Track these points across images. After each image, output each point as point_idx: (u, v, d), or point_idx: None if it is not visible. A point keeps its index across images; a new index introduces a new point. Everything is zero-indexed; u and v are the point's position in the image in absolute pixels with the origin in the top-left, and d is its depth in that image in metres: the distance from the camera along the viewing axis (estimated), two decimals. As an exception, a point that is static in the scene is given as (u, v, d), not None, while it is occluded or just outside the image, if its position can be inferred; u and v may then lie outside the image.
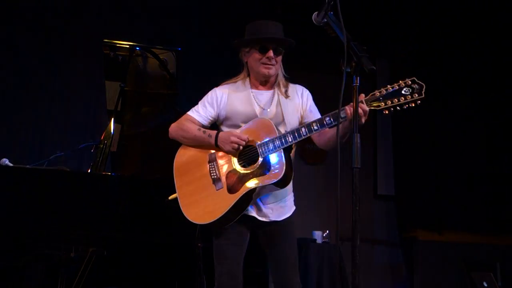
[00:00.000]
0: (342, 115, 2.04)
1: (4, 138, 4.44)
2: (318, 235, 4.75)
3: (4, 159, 3.21)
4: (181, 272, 3.74)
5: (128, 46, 3.50)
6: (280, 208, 2.31)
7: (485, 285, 4.39)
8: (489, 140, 5.50)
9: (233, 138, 2.20)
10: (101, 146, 3.40)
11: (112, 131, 3.40)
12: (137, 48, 3.52)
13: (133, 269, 3.77)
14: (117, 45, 3.51)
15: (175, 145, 2.43)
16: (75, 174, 3.18)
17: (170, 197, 2.43)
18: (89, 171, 3.41)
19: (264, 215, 2.27)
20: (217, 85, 2.47)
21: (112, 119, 3.45)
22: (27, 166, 3.26)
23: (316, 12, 1.89)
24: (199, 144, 2.32)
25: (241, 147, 2.21)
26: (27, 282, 3.32)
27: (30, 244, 3.15)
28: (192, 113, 2.38)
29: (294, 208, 2.38)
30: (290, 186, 2.33)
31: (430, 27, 5.48)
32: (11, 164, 3.18)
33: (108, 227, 3.02)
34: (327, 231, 4.84)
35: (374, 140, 5.99)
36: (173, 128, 2.39)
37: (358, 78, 1.73)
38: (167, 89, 3.71)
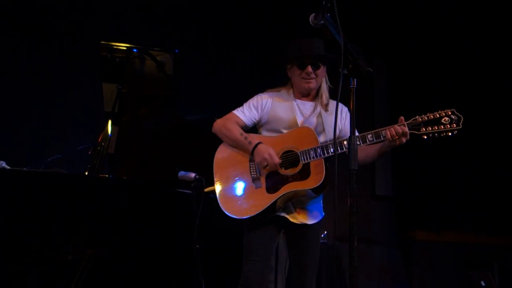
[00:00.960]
0: (383, 136, 2.20)
1: (1, 140, 4.42)
2: (316, 236, 4.74)
3: (1, 162, 3.20)
4: (179, 274, 3.73)
5: (125, 48, 3.50)
6: (309, 211, 2.43)
7: (483, 284, 4.41)
8: (487, 141, 5.51)
9: (267, 156, 2.33)
10: (99, 148, 3.40)
11: (109, 133, 3.40)
12: (135, 50, 3.51)
13: (131, 271, 3.76)
14: (114, 47, 3.50)
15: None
16: (72, 177, 3.17)
17: (207, 189, 2.58)
18: (86, 173, 3.41)
19: (295, 217, 2.40)
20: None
21: (110, 121, 3.45)
22: (24, 168, 3.25)
23: (313, 14, 1.90)
24: (236, 146, 2.45)
25: (268, 166, 2.33)
26: (24, 285, 3.31)
27: (27, 247, 3.14)
28: (238, 112, 2.53)
29: (323, 214, 2.51)
30: (321, 194, 2.47)
31: (428, 27, 5.49)
32: (8, 167, 3.17)
33: (105, 229, 3.01)
34: (325, 232, 4.84)
35: (372, 140, 5.99)
36: (218, 125, 2.53)
37: (355, 80, 1.73)
38: (165, 91, 3.71)
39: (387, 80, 5.98)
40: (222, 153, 2.51)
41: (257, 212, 2.31)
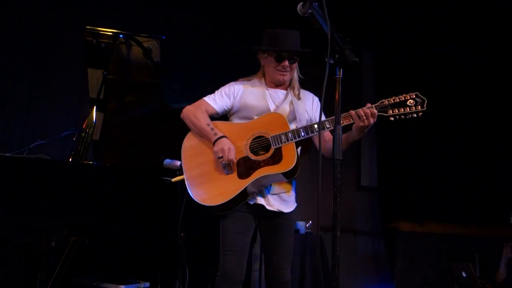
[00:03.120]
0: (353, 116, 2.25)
1: (-17, 125, 4.35)
2: (301, 226, 4.78)
3: (-17, 147, 3.14)
4: (163, 261, 3.73)
5: (111, 34, 3.45)
6: (284, 201, 2.43)
7: (464, 275, 4.49)
8: (469, 133, 5.57)
9: (226, 148, 2.31)
10: (83, 134, 3.35)
11: (94, 119, 3.36)
12: (121, 35, 3.47)
13: (115, 258, 3.75)
14: (100, 32, 3.45)
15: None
16: (56, 163, 3.13)
17: (174, 179, 2.54)
18: (70, 159, 3.37)
19: (271, 205, 2.39)
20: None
21: (95, 107, 3.40)
22: (7, 154, 3.20)
23: (301, 3, 1.89)
24: (201, 135, 2.43)
25: (220, 160, 2.33)
26: (7, 272, 3.28)
27: (9, 234, 3.11)
28: (209, 100, 2.51)
29: (296, 205, 2.50)
30: (294, 183, 2.49)
31: (416, 19, 5.51)
32: (-10, 152, 3.12)
33: (89, 216, 2.99)
34: (310, 222, 4.88)
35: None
36: (187, 111, 2.49)
37: (341, 70, 1.73)
38: (151, 77, 3.67)
39: (374, 72, 6.00)
40: (190, 141, 2.47)
41: (229, 198, 2.30)
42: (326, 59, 1.71)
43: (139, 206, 3.13)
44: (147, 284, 3.63)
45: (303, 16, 1.90)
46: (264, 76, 2.56)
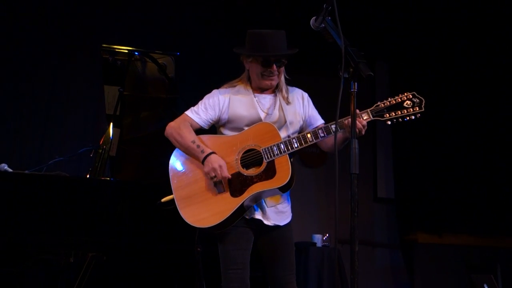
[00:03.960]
0: (341, 127, 2.13)
1: (3, 143, 4.43)
2: (318, 239, 4.74)
3: (3, 165, 3.20)
4: (180, 277, 3.73)
5: (126, 51, 3.50)
6: (281, 213, 2.33)
7: (486, 287, 4.39)
8: (488, 143, 5.50)
9: (217, 167, 2.17)
10: (100, 151, 3.40)
11: (111, 135, 3.41)
12: (136, 53, 3.52)
13: (133, 274, 3.76)
14: (116, 50, 3.51)
15: (174, 150, 2.41)
16: (74, 179, 3.17)
17: (164, 199, 2.37)
18: (88, 176, 3.41)
19: (268, 219, 2.28)
20: (216, 87, 2.45)
21: (111, 123, 3.45)
22: (26, 171, 3.25)
23: (314, 17, 1.89)
24: (188, 154, 2.28)
25: (215, 179, 2.19)
26: (27, 286, 3.31)
27: (29, 250, 3.15)
28: (192, 114, 2.33)
29: (291, 215, 2.40)
30: (288, 193, 2.35)
31: (430, 30, 5.48)
32: (10, 170, 3.17)
33: (107, 232, 3.01)
34: (327, 235, 4.83)
35: (373, 143, 5.98)
36: (170, 129, 2.32)
37: (356, 84, 1.73)
38: (166, 93, 3.71)
39: (388, 83, 5.97)
40: (177, 158, 2.31)
41: (224, 218, 2.16)
42: (341, 74, 1.71)
43: (156, 221, 3.14)
44: (165, 299, 3.63)
45: (316, 30, 1.90)
46: (249, 80, 2.37)
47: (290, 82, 2.43)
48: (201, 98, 2.44)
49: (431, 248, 5.49)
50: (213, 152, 2.22)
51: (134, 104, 3.73)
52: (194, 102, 2.45)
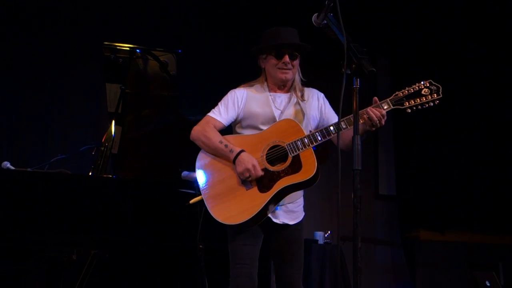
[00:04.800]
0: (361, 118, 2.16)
1: (5, 141, 4.44)
2: (319, 236, 4.75)
3: (5, 162, 3.21)
4: (182, 274, 3.74)
5: (128, 49, 3.50)
6: (291, 212, 2.38)
7: (488, 284, 4.38)
8: (491, 139, 5.49)
9: (250, 167, 2.22)
10: (102, 148, 3.40)
11: (113, 133, 3.41)
12: (138, 50, 3.51)
13: (135, 271, 3.77)
14: (118, 47, 3.51)
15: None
16: (76, 177, 3.18)
17: (192, 201, 2.45)
18: (90, 173, 3.41)
19: (277, 217, 2.33)
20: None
21: (113, 121, 3.45)
22: (28, 169, 3.26)
23: (316, 14, 1.89)
24: (216, 154, 2.33)
25: (249, 179, 2.24)
26: (29, 285, 3.32)
27: (31, 247, 3.15)
28: (214, 114, 2.41)
29: (304, 214, 2.45)
30: (302, 191, 2.41)
31: (432, 27, 5.47)
32: (12, 167, 3.18)
33: (109, 229, 3.02)
34: (329, 232, 4.84)
35: (375, 139, 5.98)
36: (196, 132, 2.39)
37: (358, 80, 1.73)
38: (168, 91, 3.71)
39: (390, 80, 5.96)
40: (203, 160, 2.37)
41: (254, 214, 2.21)
42: (343, 70, 1.71)
43: (158, 218, 3.14)
44: (167, 296, 3.64)
45: (318, 27, 1.90)
46: (266, 80, 2.47)
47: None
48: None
49: (433, 245, 5.48)
50: (242, 151, 2.28)
51: (135, 102, 3.73)
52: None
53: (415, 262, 5.60)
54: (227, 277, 2.34)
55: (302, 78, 2.46)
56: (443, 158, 5.56)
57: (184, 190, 3.13)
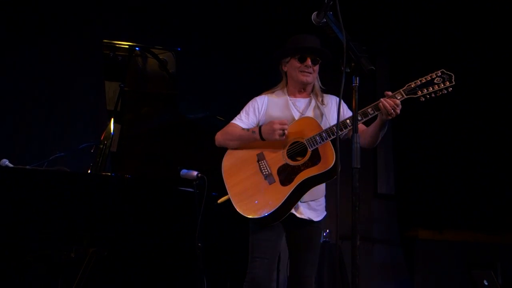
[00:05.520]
0: (372, 111, 2.25)
1: (4, 138, 4.43)
2: (318, 235, 4.74)
3: (4, 160, 3.20)
4: (181, 273, 3.74)
5: (127, 46, 3.49)
6: (314, 209, 2.46)
7: (486, 283, 4.39)
8: (489, 139, 5.49)
9: (276, 126, 2.34)
10: (101, 146, 3.40)
11: (112, 131, 3.40)
12: (137, 48, 3.51)
13: (134, 269, 3.77)
14: (117, 45, 3.50)
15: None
16: (75, 175, 3.17)
17: (220, 200, 2.54)
18: (89, 171, 3.41)
19: (302, 213, 2.42)
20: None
21: (112, 119, 3.45)
22: (27, 166, 3.25)
23: (315, 12, 1.90)
24: (244, 143, 2.47)
25: (286, 131, 2.34)
26: (27, 283, 3.32)
27: (30, 245, 3.15)
28: (236, 121, 2.55)
29: (325, 213, 2.54)
30: (324, 190, 2.52)
31: (431, 25, 5.47)
32: (11, 165, 3.18)
33: (107, 228, 3.02)
34: (328, 230, 4.84)
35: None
36: (219, 135, 2.55)
37: (357, 78, 1.73)
38: (167, 89, 3.71)
39: (389, 78, 5.96)
40: (228, 161, 2.51)
41: (277, 207, 2.31)
42: (343, 68, 1.71)
43: (157, 216, 3.14)
44: (165, 295, 3.64)
45: (318, 25, 1.90)
46: (286, 85, 2.59)
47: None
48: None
49: (432, 244, 5.49)
50: (260, 126, 2.43)
51: (134, 100, 3.73)
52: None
53: (414, 261, 5.60)
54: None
55: (321, 86, 2.58)
56: (442, 158, 5.57)
57: (183, 189, 3.13)
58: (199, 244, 2.84)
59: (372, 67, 1.71)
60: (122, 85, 3.48)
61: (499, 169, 5.40)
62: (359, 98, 1.75)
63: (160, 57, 3.56)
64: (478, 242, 5.32)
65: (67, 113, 4.66)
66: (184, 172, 2.91)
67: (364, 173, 5.77)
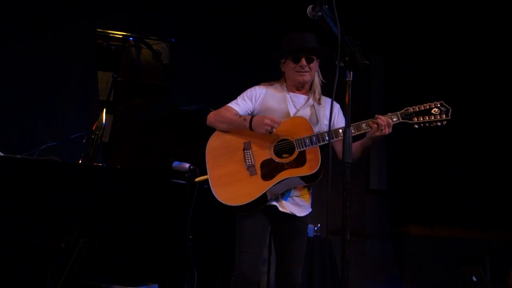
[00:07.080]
0: (365, 127, 2.30)
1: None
2: (309, 229, 4.76)
3: (-6, 149, 3.17)
4: (172, 263, 3.74)
5: (121, 36, 3.46)
6: (298, 204, 2.45)
7: (475, 279, 4.43)
8: (481, 136, 5.52)
9: (267, 121, 2.34)
10: (93, 136, 3.37)
11: (104, 121, 3.38)
12: (131, 38, 3.48)
13: (124, 260, 3.77)
14: (110, 35, 3.47)
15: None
16: (66, 165, 3.15)
17: (198, 179, 2.58)
18: (80, 161, 3.39)
19: (284, 207, 2.42)
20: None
21: (104, 109, 3.42)
22: (18, 156, 3.23)
23: (311, 6, 1.89)
24: (234, 128, 2.46)
25: (274, 130, 2.35)
26: (16, 273, 3.30)
27: (19, 234, 3.13)
28: (232, 104, 2.54)
29: (311, 209, 2.53)
30: (311, 189, 2.52)
31: (426, 21, 5.48)
32: (1, 154, 3.14)
33: (99, 218, 3.01)
34: (319, 225, 4.86)
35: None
36: (211, 115, 2.54)
37: (351, 72, 1.72)
38: (161, 80, 3.69)
39: (384, 74, 5.97)
40: (215, 142, 2.50)
41: (253, 199, 2.32)
42: (337, 62, 1.71)
43: (148, 207, 3.14)
44: (156, 286, 3.64)
45: (313, 18, 1.90)
46: (286, 81, 2.59)
47: None
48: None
49: (422, 240, 5.54)
50: (253, 115, 2.44)
51: (128, 91, 3.70)
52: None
53: (404, 257, 5.65)
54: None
55: (323, 80, 2.57)
56: (434, 154, 5.60)
57: (174, 180, 3.12)
58: (190, 236, 2.84)
59: (367, 62, 1.70)
60: (115, 75, 3.46)
61: (490, 167, 5.44)
62: (353, 94, 1.74)
63: (154, 48, 3.54)
64: (468, 239, 5.37)
65: (59, 102, 4.62)
66: (176, 164, 2.91)
67: (357, 169, 5.81)
